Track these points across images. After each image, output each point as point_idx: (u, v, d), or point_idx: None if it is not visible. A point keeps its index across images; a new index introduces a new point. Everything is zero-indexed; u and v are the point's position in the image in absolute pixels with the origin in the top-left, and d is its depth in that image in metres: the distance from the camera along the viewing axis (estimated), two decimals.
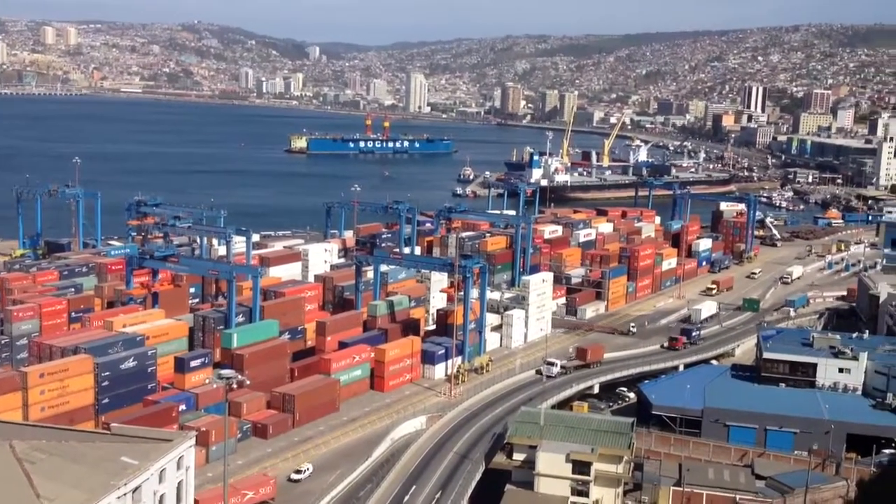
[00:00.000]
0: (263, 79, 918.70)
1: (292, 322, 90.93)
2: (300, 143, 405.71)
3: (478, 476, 69.36)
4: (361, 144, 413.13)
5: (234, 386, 66.90)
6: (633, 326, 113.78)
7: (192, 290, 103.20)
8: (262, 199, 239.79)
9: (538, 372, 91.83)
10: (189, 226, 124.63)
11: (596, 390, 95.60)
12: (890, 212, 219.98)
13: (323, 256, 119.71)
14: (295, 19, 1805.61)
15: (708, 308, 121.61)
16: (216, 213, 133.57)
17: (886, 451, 73.15)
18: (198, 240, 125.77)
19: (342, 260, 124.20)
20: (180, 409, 69.37)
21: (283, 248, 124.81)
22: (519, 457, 67.98)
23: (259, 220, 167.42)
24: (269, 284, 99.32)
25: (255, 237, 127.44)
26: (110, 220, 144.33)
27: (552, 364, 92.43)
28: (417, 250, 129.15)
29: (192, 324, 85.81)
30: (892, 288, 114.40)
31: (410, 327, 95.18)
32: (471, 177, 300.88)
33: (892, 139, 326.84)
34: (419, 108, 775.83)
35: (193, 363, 77.31)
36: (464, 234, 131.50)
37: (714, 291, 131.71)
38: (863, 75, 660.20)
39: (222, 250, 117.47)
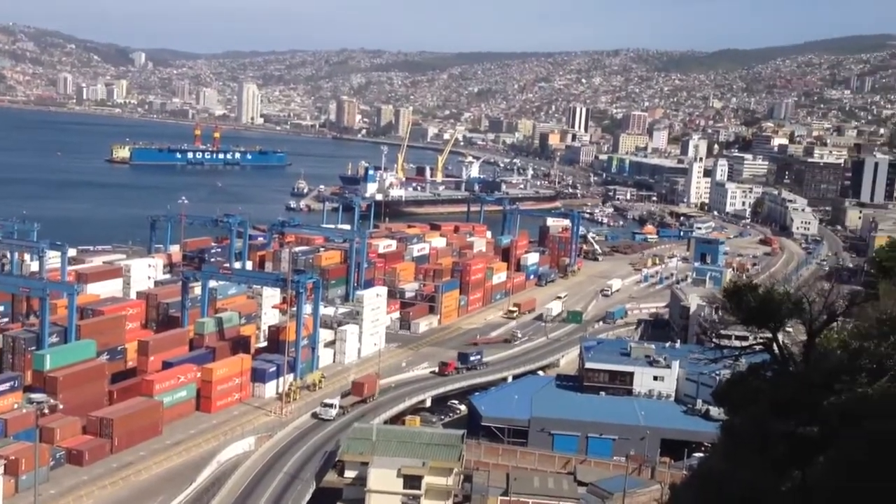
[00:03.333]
0: (84, 85, 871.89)
1: (112, 342, 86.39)
2: (123, 152, 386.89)
3: (308, 495, 68.32)
4: (190, 155, 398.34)
5: (46, 411, 62.99)
6: (519, 333, 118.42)
7: (0, 308, 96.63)
8: (80, 211, 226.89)
9: (314, 415, 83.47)
10: None
11: (428, 403, 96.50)
12: (699, 228, 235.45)
13: (146, 272, 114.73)
14: (118, 24, 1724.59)
15: (557, 308, 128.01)
16: (28, 227, 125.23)
17: (696, 454, 77.86)
18: (7, 255, 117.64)
19: (168, 276, 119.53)
20: None
21: (103, 264, 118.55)
22: (350, 474, 67.67)
23: (76, 233, 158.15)
24: (87, 302, 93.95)
25: (72, 252, 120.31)
26: None
27: (329, 406, 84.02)
28: (249, 265, 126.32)
29: (0, 345, 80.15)
30: (702, 299, 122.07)
31: (240, 345, 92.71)
32: (305, 190, 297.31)
33: (701, 159, 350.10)
34: (252, 119, 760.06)
35: (1, 387, 72.10)
36: (297, 249, 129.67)
37: (515, 314, 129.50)
38: (676, 99, 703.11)
39: (35, 266, 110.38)
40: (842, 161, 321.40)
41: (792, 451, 24.28)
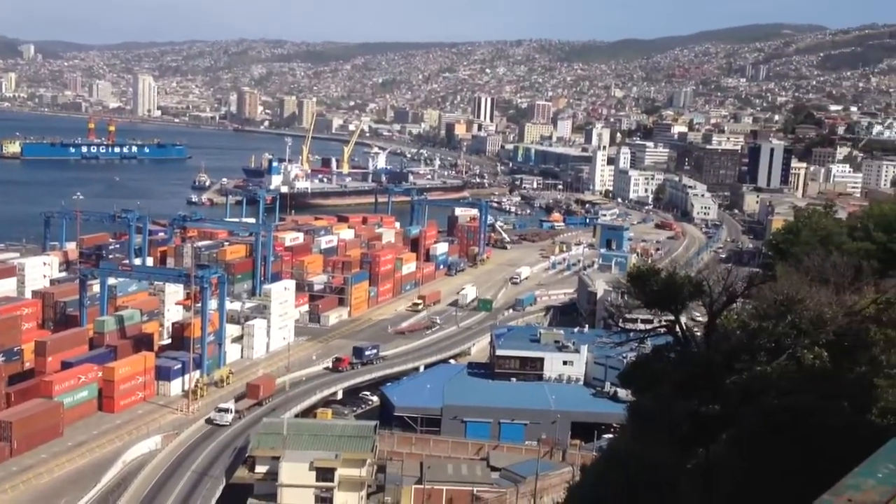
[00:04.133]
0: None
1: (7, 343, 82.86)
2: (13, 147, 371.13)
3: (218, 493, 67.04)
4: (84, 149, 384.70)
5: None
6: (437, 319, 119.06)
7: None
8: None
9: (208, 421, 79.77)
10: None
11: (340, 396, 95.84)
12: (604, 215, 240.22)
13: (42, 270, 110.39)
14: (6, 15, 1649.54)
15: (472, 293, 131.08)
16: None
17: (605, 436, 79.47)
18: None
19: (64, 273, 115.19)
20: None
21: None
22: (261, 469, 66.64)
23: None
24: None
25: None
26: None
27: (225, 411, 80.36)
28: (150, 261, 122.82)
29: None
30: (607, 284, 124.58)
31: (143, 343, 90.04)
32: (207, 183, 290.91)
33: (604, 147, 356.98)
34: (148, 111, 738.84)
35: None
36: (200, 244, 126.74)
37: (420, 307, 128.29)
38: (579, 88, 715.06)
39: None
40: (739, 147, 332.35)
41: (695, 430, 24.82)
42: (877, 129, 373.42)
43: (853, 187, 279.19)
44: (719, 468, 23.02)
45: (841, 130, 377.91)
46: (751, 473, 19.94)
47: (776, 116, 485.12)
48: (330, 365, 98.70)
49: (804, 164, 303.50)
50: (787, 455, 18.73)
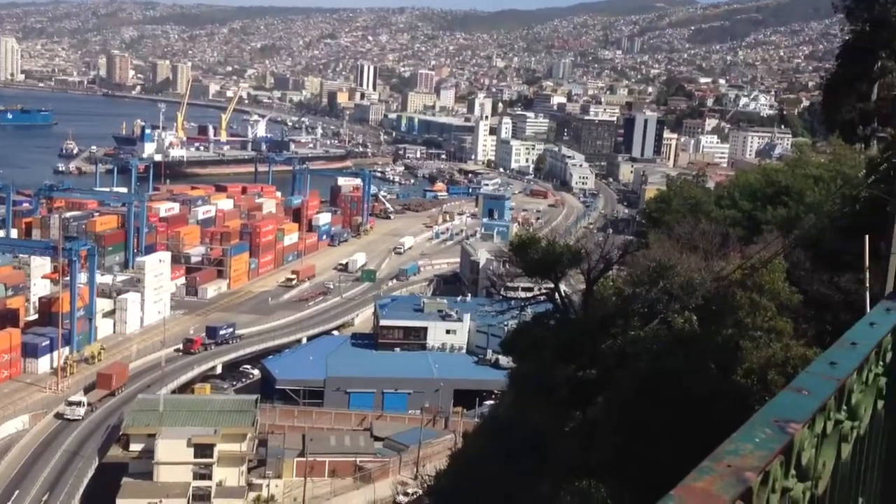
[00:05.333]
0: None
1: None
2: None
3: (91, 472, 64.76)
4: None
5: None
6: (330, 285, 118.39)
7: None
8: None
9: (58, 416, 73.71)
10: None
11: (219, 370, 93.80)
12: (486, 185, 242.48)
13: None
14: None
15: (361, 259, 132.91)
16: None
17: (487, 402, 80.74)
18: None
19: None
20: None
21: None
22: (136, 447, 64.72)
23: None
24: None
25: None
26: None
27: (76, 404, 74.19)
28: (14, 233, 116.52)
29: None
30: (490, 253, 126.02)
31: (8, 319, 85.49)
32: (75, 151, 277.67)
33: (487, 117, 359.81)
34: (11, 75, 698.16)
35: None
36: (68, 214, 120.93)
37: (294, 282, 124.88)
38: (461, 58, 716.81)
39: None
40: (615, 118, 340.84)
41: (574, 394, 25.29)
42: (743, 101, 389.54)
43: (720, 157, 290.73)
44: (596, 429, 23.54)
45: (710, 102, 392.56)
46: (626, 435, 20.44)
47: (650, 88, 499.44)
48: (181, 346, 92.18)
49: (675, 135, 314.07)
50: (659, 416, 19.25)
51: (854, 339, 2.66)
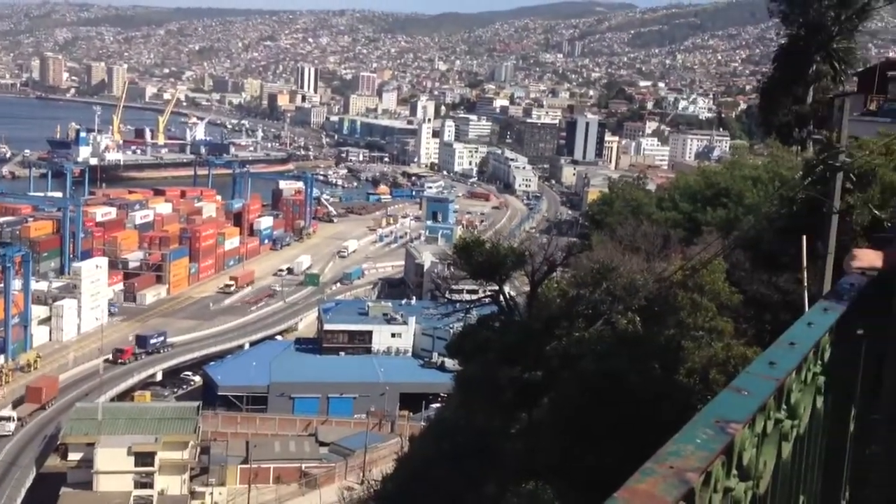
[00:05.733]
0: None
1: None
2: None
3: (28, 482, 63.14)
4: None
5: None
6: (276, 287, 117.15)
7: None
8: None
9: None
10: None
11: (159, 377, 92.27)
12: (430, 188, 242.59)
13: None
14: None
15: (306, 262, 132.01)
16: None
17: (434, 405, 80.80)
18: None
19: None
20: None
21: None
22: (75, 456, 63.25)
23: None
24: None
25: None
26: None
27: (6, 419, 71.93)
28: None
29: None
30: (434, 256, 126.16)
31: None
32: (7, 155, 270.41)
33: (429, 120, 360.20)
34: None
35: None
36: (1, 220, 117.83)
37: (233, 288, 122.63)
38: (403, 60, 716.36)
39: None
40: (557, 121, 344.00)
41: (519, 396, 25.41)
42: (682, 104, 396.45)
43: (661, 160, 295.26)
44: (542, 432, 23.70)
45: (650, 106, 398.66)
46: (572, 436, 20.63)
47: (591, 92, 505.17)
48: (111, 356, 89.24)
49: (617, 138, 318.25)
50: (604, 417, 19.47)
51: (792, 339, 2.72)
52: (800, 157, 36.50)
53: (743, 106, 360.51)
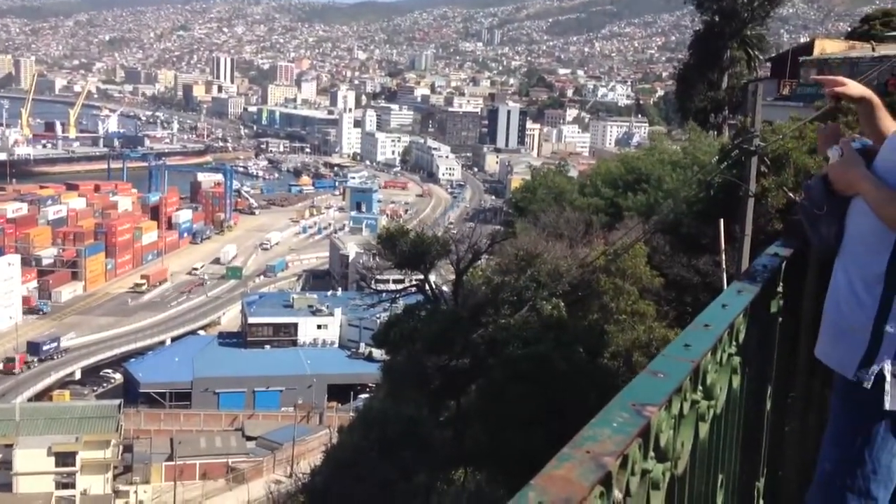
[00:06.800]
0: None
1: None
2: None
3: None
4: None
5: None
6: (205, 276, 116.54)
7: None
8: None
9: None
10: None
11: (78, 376, 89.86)
12: (353, 177, 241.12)
13: None
14: None
15: (231, 251, 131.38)
16: None
17: (362, 396, 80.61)
18: None
19: None
20: None
21: None
22: None
23: None
24: None
25: None
26: None
27: None
28: None
29: None
30: (359, 247, 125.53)
31: None
32: None
33: (350, 110, 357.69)
34: None
35: None
36: None
37: (145, 287, 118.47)
38: (321, 50, 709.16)
39: None
40: (479, 110, 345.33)
41: (446, 384, 25.54)
42: (601, 91, 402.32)
43: (582, 146, 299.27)
44: (470, 419, 23.88)
45: (570, 93, 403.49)
46: (499, 422, 20.83)
47: (511, 80, 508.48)
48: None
49: (538, 126, 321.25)
50: (530, 402, 19.71)
51: (707, 321, 2.79)
52: (716, 142, 37.44)
53: (660, 92, 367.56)
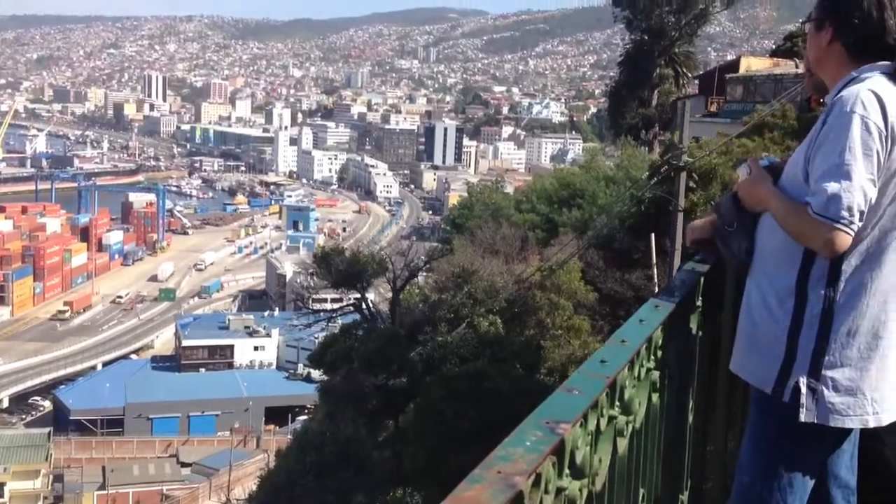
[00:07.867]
0: None
1: None
2: None
3: None
4: None
5: None
6: (144, 293, 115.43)
7: None
8: None
9: None
10: None
11: (6, 404, 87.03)
12: (290, 196, 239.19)
13: None
14: None
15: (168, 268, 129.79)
16: None
17: (300, 417, 79.65)
18: None
19: None
20: None
21: None
22: None
23: None
24: None
25: None
26: None
27: None
28: None
29: None
30: (296, 266, 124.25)
31: None
32: None
33: (286, 128, 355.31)
34: None
35: None
36: None
37: (67, 314, 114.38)
38: (256, 67, 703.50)
39: None
40: (415, 127, 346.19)
41: (385, 403, 25.39)
42: (536, 108, 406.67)
43: (518, 163, 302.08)
44: (408, 438, 23.74)
45: (505, 110, 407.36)
46: (437, 440, 20.75)
47: (448, 97, 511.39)
48: None
49: (475, 143, 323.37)
50: (467, 419, 19.69)
51: (624, 337, 2.79)
52: (648, 158, 38.09)
53: (593, 109, 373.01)
